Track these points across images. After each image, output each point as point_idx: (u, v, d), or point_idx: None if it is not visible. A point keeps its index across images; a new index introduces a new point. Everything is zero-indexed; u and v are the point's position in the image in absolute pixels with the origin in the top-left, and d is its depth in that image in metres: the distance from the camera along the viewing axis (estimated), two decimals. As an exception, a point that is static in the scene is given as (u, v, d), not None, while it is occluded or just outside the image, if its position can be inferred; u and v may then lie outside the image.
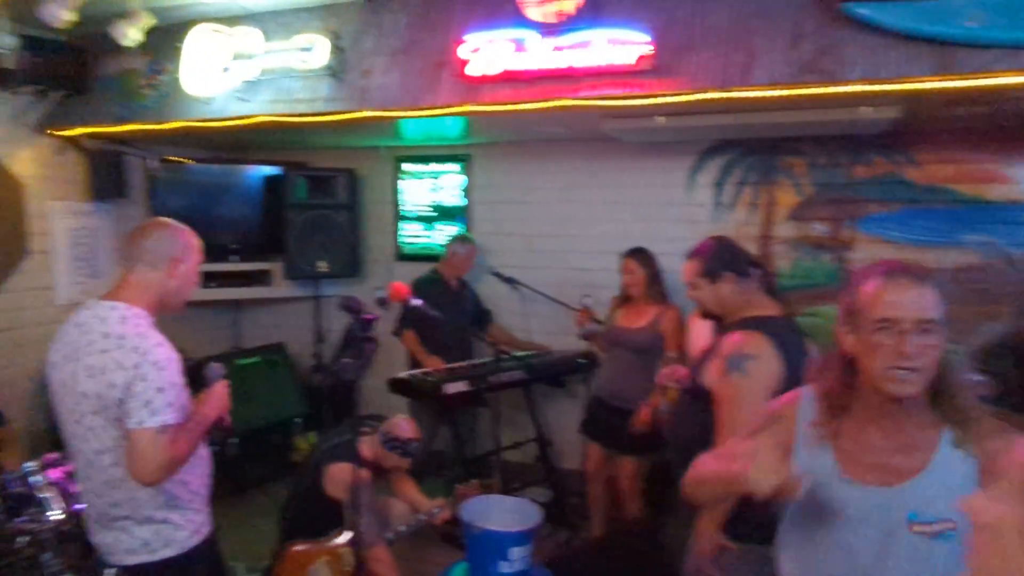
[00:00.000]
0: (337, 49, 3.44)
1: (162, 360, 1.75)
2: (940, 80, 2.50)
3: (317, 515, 2.79)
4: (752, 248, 3.92)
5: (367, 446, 2.94)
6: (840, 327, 1.35)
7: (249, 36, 3.53)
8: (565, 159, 4.37)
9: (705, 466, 1.48)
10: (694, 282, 2.22)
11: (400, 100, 3.35)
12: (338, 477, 2.76)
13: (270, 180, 4.78)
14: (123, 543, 1.81)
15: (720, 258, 2.18)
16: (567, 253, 4.45)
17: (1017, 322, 3.38)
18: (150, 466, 1.70)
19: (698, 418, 2.11)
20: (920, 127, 3.47)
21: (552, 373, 3.98)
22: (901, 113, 2.95)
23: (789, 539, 1.42)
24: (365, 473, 2.79)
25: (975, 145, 3.47)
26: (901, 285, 1.26)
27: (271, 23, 3.61)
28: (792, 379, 1.89)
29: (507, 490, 3.87)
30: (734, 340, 2.00)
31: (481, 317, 4.32)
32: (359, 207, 4.85)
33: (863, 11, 2.62)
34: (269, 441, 4.50)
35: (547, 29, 3.03)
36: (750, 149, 3.88)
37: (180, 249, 1.90)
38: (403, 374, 3.76)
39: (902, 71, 2.59)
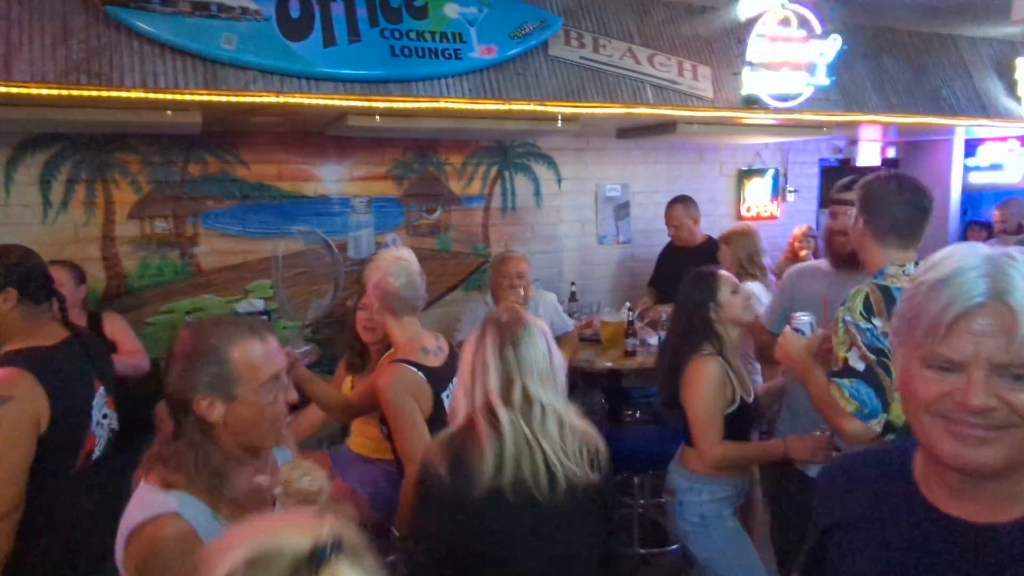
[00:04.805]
0: None
1: None
2: (208, 94, 2.79)
3: None
4: (95, 250, 3.73)
5: None
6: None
7: None
8: None
9: None
10: None
11: None
12: None
13: None
14: None
15: (9, 270, 1.83)
16: None
17: (335, 296, 4.14)
18: None
19: None
20: (239, 131, 3.85)
21: None
22: (202, 119, 3.18)
23: None
24: None
25: (290, 148, 4.04)
26: (268, 340, 1.33)
27: None
28: (65, 412, 1.76)
29: None
30: None
31: None
32: None
33: (131, 18, 2.70)
34: None
35: None
36: (78, 144, 3.62)
37: None
38: None
39: (178, 82, 2.79)
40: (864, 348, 1.66)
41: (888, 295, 1.68)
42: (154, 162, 3.77)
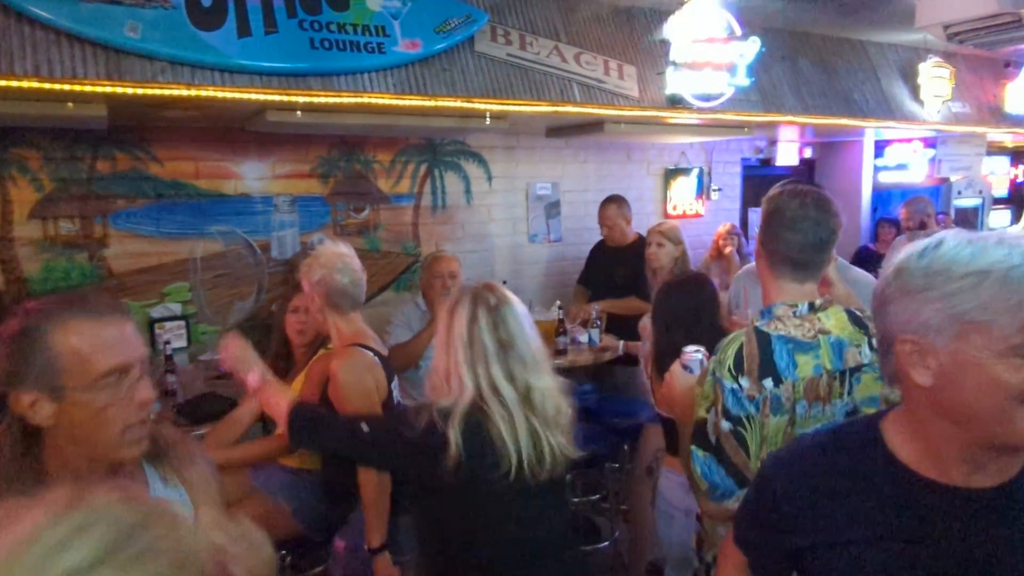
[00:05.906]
0: None
1: None
2: (111, 85, 2.63)
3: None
4: (-9, 252, 3.47)
5: None
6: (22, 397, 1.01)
7: None
8: None
9: None
10: None
11: None
12: None
13: None
14: None
15: None
16: None
17: (259, 298, 3.99)
18: None
19: None
20: (151, 126, 3.65)
21: None
22: (108, 112, 2.99)
23: None
24: None
25: (208, 145, 3.86)
26: (113, 322, 1.05)
27: None
28: None
29: None
30: None
31: None
32: None
33: (22, 1, 2.51)
34: None
35: None
36: (-32, 139, 3.36)
37: None
38: None
39: (76, 72, 2.61)
40: (722, 414, 1.41)
41: (766, 347, 1.42)
42: (57, 158, 3.53)
